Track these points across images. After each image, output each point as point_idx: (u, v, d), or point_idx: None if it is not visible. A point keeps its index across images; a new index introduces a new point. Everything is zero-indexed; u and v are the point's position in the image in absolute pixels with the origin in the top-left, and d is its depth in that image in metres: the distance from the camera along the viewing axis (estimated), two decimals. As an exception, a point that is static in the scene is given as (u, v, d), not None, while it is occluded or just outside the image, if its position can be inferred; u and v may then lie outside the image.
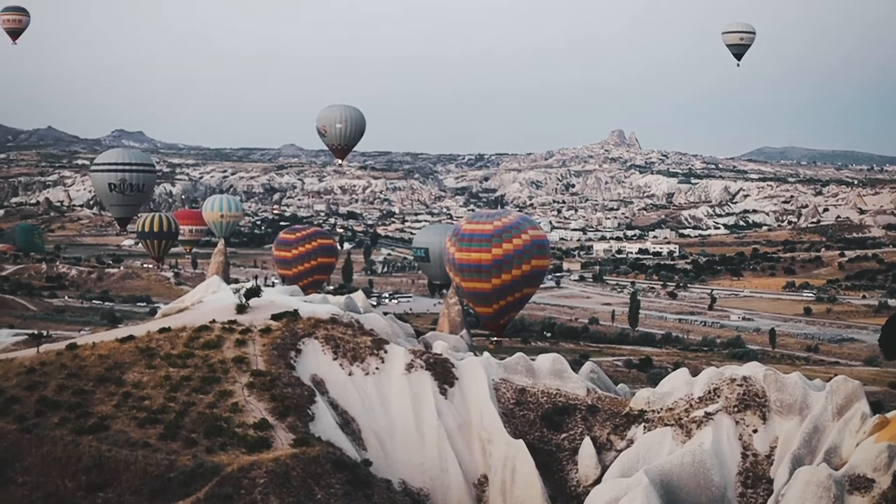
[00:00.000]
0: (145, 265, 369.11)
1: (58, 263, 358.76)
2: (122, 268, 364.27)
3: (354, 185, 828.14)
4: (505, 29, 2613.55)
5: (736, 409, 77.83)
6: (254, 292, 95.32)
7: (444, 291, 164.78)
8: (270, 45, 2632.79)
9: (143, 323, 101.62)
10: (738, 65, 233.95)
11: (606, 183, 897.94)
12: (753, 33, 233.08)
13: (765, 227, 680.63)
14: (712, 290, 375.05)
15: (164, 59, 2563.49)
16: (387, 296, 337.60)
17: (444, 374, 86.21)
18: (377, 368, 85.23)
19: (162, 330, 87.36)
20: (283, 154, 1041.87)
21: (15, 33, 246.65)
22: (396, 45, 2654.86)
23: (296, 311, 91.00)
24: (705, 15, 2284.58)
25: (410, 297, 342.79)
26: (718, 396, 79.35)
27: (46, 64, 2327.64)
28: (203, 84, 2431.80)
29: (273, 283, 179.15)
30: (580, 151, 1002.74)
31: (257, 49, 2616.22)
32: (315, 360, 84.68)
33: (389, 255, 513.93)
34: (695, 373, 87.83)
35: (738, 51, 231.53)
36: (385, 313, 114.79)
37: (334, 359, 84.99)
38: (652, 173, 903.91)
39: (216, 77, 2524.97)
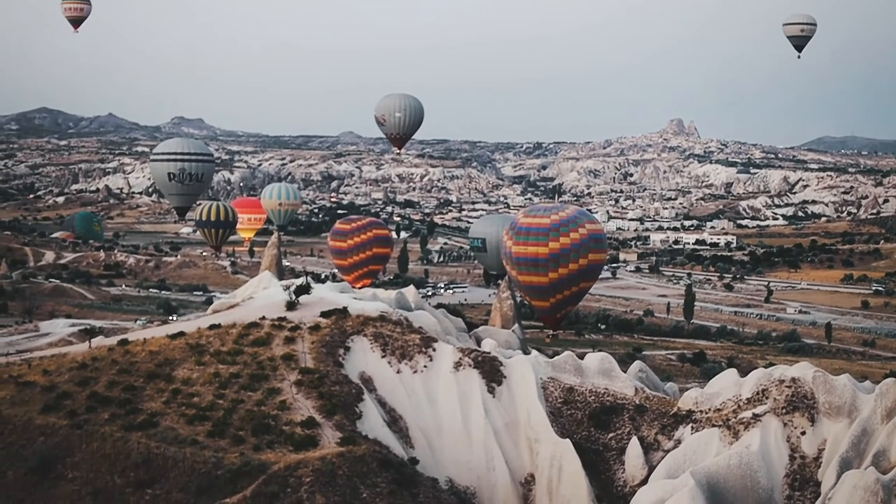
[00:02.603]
0: (203, 253, 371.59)
1: (116, 251, 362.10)
2: (179, 256, 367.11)
3: (412, 174, 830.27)
4: (564, 16, 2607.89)
5: (784, 411, 77.27)
6: (304, 289, 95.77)
7: (500, 282, 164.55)
8: (330, 34, 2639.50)
9: (193, 318, 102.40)
10: (799, 56, 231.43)
11: (665, 172, 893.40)
12: (814, 25, 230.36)
13: (823, 219, 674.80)
14: (769, 282, 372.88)
15: (224, 47, 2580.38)
16: (442, 286, 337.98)
17: (492, 372, 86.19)
18: (425, 366, 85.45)
19: (212, 326, 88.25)
20: (341, 142, 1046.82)
21: (77, 21, 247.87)
22: (455, 33, 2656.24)
23: (345, 308, 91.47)
24: (766, 4, 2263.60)
25: (466, 287, 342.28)
26: (767, 398, 78.84)
27: (107, 52, 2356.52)
28: (262, 72, 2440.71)
29: (324, 277, 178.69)
30: (639, 140, 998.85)
31: (317, 38, 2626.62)
32: (363, 357, 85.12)
33: (446, 244, 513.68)
34: (748, 368, 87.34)
35: (799, 42, 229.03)
36: (439, 305, 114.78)
37: (383, 356, 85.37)
38: (711, 163, 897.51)
39: (275, 65, 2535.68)
